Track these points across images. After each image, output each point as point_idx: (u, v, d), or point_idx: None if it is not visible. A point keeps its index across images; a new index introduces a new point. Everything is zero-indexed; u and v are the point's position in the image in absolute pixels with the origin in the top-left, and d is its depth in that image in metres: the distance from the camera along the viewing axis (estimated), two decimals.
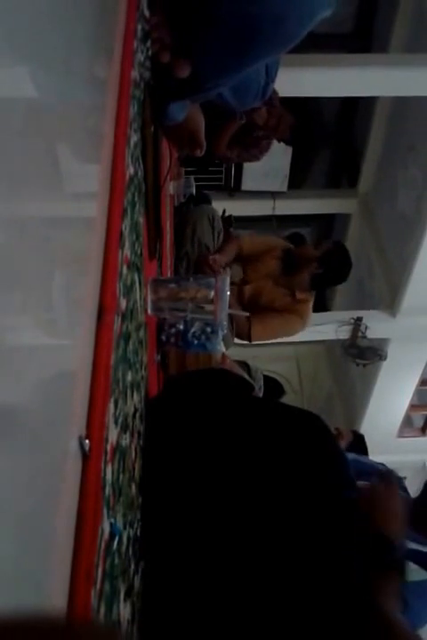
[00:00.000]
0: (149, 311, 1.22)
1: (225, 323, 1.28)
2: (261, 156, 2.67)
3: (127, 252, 0.91)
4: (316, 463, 0.88)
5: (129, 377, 0.88)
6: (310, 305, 2.83)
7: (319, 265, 2.70)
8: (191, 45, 1.09)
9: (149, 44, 1.17)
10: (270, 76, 1.64)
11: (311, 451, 0.89)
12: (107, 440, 0.66)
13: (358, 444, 2.78)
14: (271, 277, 2.77)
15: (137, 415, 0.94)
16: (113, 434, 0.71)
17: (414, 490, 1.84)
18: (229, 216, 3.06)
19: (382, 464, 2.01)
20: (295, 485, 0.85)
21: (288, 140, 2.72)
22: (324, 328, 5.72)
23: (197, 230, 2.58)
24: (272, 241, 2.92)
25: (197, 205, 2.79)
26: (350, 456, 1.65)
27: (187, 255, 2.56)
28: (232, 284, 2.07)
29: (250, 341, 2.77)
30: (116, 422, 0.73)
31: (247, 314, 2.37)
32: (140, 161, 1.16)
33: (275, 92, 2.36)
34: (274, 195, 6.72)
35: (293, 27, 1.02)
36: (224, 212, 3.08)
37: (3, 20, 0.37)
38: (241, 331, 2.69)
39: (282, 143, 2.76)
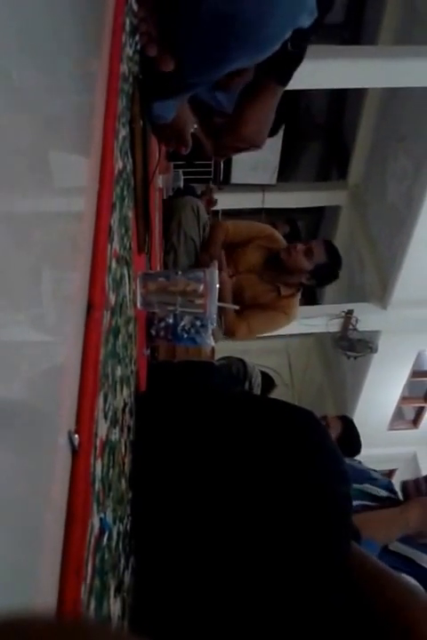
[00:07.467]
0: (139, 305, 1.21)
1: (215, 316, 1.28)
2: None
3: (116, 246, 0.91)
4: (308, 460, 0.87)
5: (118, 371, 0.87)
6: (297, 299, 2.79)
7: (311, 277, 2.67)
8: (175, 40, 1.09)
9: (137, 37, 1.16)
10: None
11: (304, 447, 0.89)
12: (96, 435, 0.66)
13: (349, 432, 2.63)
14: (255, 271, 2.72)
15: (127, 410, 0.94)
16: (102, 428, 0.71)
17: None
18: (211, 189, 3.01)
19: (375, 470, 1.94)
20: (287, 481, 0.85)
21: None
22: (314, 321, 5.75)
23: (182, 222, 2.57)
24: (256, 227, 2.86)
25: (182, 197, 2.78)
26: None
27: (173, 247, 2.56)
28: None
29: (234, 339, 2.76)
30: (105, 417, 0.73)
31: (237, 307, 2.36)
32: (129, 155, 1.15)
33: None
34: (263, 188, 6.73)
35: (268, 33, 1.01)
36: (204, 190, 3.02)
37: None
38: (226, 327, 2.66)
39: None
